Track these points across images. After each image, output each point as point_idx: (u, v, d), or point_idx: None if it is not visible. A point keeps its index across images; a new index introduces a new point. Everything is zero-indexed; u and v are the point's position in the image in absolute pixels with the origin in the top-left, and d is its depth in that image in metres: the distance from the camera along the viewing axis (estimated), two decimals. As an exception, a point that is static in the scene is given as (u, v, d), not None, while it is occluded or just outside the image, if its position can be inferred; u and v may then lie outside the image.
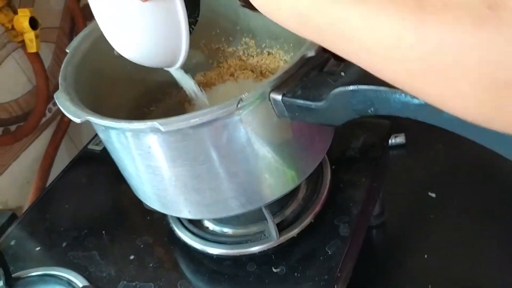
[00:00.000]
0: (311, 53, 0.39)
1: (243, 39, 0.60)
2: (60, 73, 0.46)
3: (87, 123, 0.42)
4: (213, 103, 0.48)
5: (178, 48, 0.41)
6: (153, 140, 0.39)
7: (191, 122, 0.36)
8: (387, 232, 0.68)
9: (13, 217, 0.71)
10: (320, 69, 0.39)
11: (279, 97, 0.38)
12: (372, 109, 0.34)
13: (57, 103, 0.42)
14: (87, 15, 0.81)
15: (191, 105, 0.59)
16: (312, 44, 0.39)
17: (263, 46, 0.60)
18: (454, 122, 0.27)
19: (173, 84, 0.60)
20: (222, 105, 0.37)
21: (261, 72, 0.60)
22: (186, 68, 0.61)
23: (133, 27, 0.40)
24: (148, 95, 0.60)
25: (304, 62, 0.39)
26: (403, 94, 0.32)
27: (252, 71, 0.60)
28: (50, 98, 0.74)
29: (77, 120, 0.40)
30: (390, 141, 0.61)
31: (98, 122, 0.39)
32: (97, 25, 0.53)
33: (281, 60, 0.59)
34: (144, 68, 0.55)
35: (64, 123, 0.78)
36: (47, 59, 0.74)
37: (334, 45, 0.26)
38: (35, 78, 0.70)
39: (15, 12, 0.64)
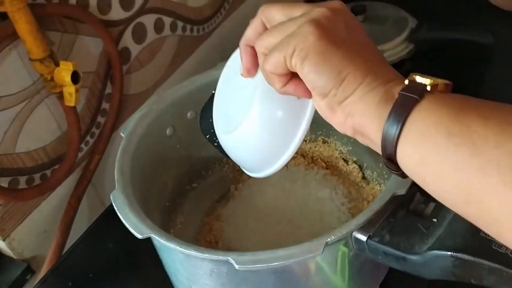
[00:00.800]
0: (401, 192, 0.36)
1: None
2: (116, 165, 0.43)
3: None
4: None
5: (277, 156, 0.37)
6: (219, 268, 0.36)
7: (271, 266, 0.33)
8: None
9: (27, 269, 0.68)
10: (407, 207, 0.36)
11: (363, 238, 0.35)
12: (476, 280, 0.31)
13: (114, 206, 0.39)
14: (124, 60, 0.78)
15: (237, 189, 0.56)
16: (402, 181, 0.36)
17: (318, 133, 0.57)
18: None
19: (217, 160, 0.57)
20: (306, 248, 0.34)
21: (312, 159, 0.57)
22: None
23: (253, 116, 0.36)
24: (192, 171, 0.57)
25: (392, 199, 0.36)
26: (518, 277, 0.29)
27: (303, 157, 0.57)
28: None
29: (138, 236, 0.37)
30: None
31: (166, 244, 0.36)
32: (151, 104, 0.50)
33: (336, 150, 0.56)
34: (191, 145, 0.53)
35: (89, 172, 0.74)
36: (78, 104, 0.71)
37: (501, 234, 0.24)
38: (68, 130, 0.67)
39: (57, 64, 0.60)
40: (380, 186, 0.51)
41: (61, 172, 0.67)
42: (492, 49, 0.89)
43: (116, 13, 0.74)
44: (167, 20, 0.84)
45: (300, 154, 0.57)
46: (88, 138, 0.75)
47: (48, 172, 0.69)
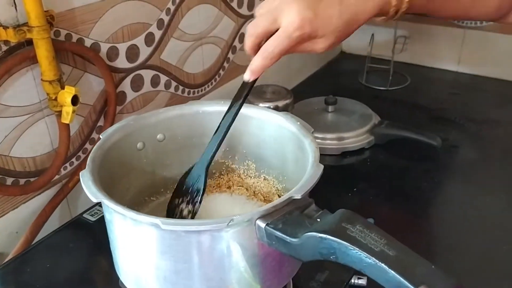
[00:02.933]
0: (297, 196, 0.47)
1: (246, 161, 0.70)
2: (90, 155, 0.54)
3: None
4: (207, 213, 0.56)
5: None
6: (150, 232, 0.46)
7: (187, 228, 0.43)
8: None
9: (-8, 261, 0.76)
10: (302, 210, 0.47)
11: (263, 225, 0.46)
12: (334, 257, 0.41)
13: (81, 180, 0.50)
14: (119, 101, 0.92)
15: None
16: (301, 189, 0.48)
17: (261, 171, 0.69)
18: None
19: (176, 182, 0.68)
20: (215, 220, 0.44)
21: (254, 192, 0.68)
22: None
23: None
24: (152, 186, 0.68)
25: (290, 201, 0.47)
26: (358, 252, 0.39)
27: (247, 189, 0.69)
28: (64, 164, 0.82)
29: (93, 200, 0.47)
30: (352, 281, 0.67)
31: (111, 206, 0.46)
32: (130, 120, 0.63)
33: (274, 187, 0.68)
34: (156, 163, 0.64)
35: (67, 188, 0.84)
36: (72, 129, 0.83)
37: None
38: (59, 145, 0.79)
39: (62, 87, 0.74)
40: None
41: (44, 179, 0.78)
42: (439, 150, 1.03)
43: (121, 62, 0.89)
44: (163, 78, 1.00)
45: (245, 187, 0.69)
46: (73, 160, 0.86)
47: (32, 179, 0.79)
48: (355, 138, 1.10)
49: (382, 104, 1.30)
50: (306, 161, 0.55)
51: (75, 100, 0.74)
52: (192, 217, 0.57)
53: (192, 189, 0.58)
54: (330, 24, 0.48)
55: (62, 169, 0.84)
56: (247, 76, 0.52)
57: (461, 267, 0.72)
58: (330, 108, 1.16)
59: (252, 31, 0.51)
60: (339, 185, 0.96)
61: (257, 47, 0.52)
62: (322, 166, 0.50)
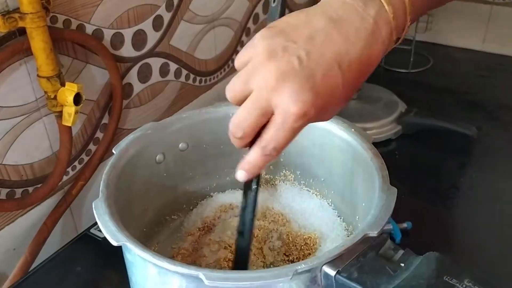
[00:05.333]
0: (373, 234, 0.37)
1: (283, 171, 0.59)
2: (103, 178, 0.44)
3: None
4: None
5: None
6: (189, 285, 0.37)
7: (240, 284, 0.34)
8: None
9: (-12, 285, 0.66)
10: (377, 250, 0.38)
11: (332, 273, 0.36)
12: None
13: (95, 213, 0.40)
14: (126, 95, 0.81)
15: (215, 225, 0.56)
16: (376, 223, 0.38)
17: (302, 182, 0.59)
18: None
19: (200, 196, 0.58)
20: (275, 273, 0.34)
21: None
22: (221, 184, 0.59)
23: None
24: (174, 203, 0.58)
25: (364, 239, 0.38)
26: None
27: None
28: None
29: (113, 243, 0.37)
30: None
31: (140, 254, 0.36)
32: (147, 129, 0.52)
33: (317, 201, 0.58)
34: (178, 176, 0.54)
35: (71, 196, 0.74)
36: (74, 129, 0.73)
37: None
38: (59, 150, 0.68)
39: (63, 84, 0.63)
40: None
41: (44, 190, 0.67)
42: (474, 141, 0.93)
43: (127, 50, 0.78)
44: (173, 66, 0.88)
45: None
46: (76, 163, 0.76)
47: (30, 189, 0.69)
48: (380, 129, 0.99)
49: (404, 88, 1.19)
50: (366, 178, 0.45)
51: (77, 99, 0.64)
52: None
53: None
54: (336, 95, 0.36)
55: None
56: (241, 177, 0.38)
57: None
58: (354, 95, 1.05)
59: (239, 133, 0.37)
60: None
61: (251, 144, 0.38)
62: (395, 190, 0.40)
